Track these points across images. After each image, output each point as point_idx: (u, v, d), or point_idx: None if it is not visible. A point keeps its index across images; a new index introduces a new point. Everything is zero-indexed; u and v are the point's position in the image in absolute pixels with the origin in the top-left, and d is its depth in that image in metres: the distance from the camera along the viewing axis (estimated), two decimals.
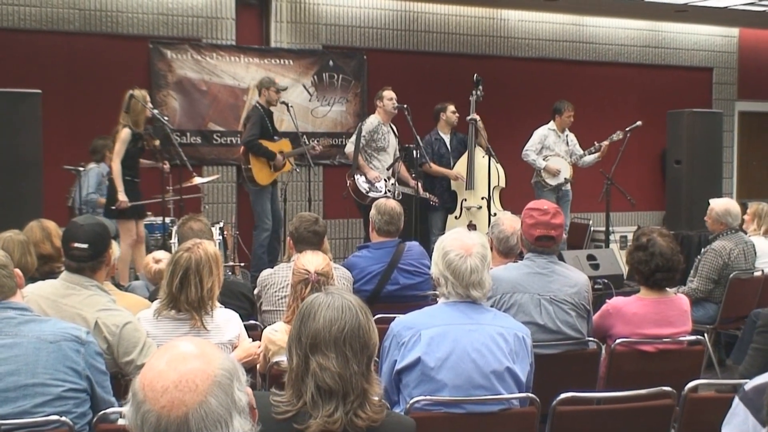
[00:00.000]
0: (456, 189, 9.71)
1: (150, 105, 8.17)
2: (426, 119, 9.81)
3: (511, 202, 9.63)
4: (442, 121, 9.84)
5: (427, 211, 9.66)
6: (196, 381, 1.75)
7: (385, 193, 8.89)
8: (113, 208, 7.99)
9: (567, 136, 10.17)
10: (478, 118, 9.45)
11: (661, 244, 4.62)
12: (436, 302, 3.64)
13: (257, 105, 9.31)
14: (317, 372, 2.40)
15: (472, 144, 9.59)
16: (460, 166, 9.71)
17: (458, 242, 3.53)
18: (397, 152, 9.25)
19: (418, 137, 8.88)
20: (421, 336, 3.39)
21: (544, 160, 9.94)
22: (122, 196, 7.97)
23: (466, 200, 9.69)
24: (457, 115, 9.78)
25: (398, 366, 3.39)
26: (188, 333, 3.95)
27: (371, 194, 8.95)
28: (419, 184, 9.07)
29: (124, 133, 7.94)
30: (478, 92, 9.51)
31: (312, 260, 4.11)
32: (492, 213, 9.12)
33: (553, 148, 10.03)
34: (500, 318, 3.60)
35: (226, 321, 4.12)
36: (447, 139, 9.86)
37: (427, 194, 9.29)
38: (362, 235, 10.79)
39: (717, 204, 7.17)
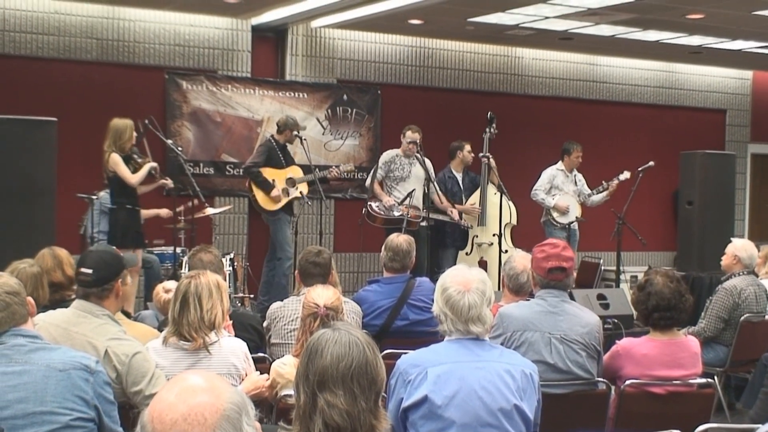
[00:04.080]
0: (467, 226, 9.74)
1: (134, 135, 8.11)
2: (438, 155, 9.85)
3: (522, 240, 9.64)
4: (457, 158, 9.90)
5: (438, 248, 9.70)
6: (205, 414, 1.75)
7: (401, 216, 9.00)
8: (117, 236, 7.93)
9: (575, 176, 10.25)
10: (490, 156, 9.50)
11: (659, 284, 4.60)
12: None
13: (270, 138, 9.37)
14: (325, 409, 2.39)
15: (485, 181, 9.62)
16: (472, 203, 9.77)
17: (458, 278, 3.53)
18: (426, 182, 9.19)
19: (432, 171, 8.96)
20: (427, 374, 3.37)
21: (552, 198, 10.00)
22: (155, 171, 8.05)
23: (477, 237, 9.72)
24: (472, 155, 9.82)
25: (405, 404, 3.37)
26: (195, 364, 3.96)
27: (384, 215, 9.10)
28: (456, 212, 9.41)
29: (116, 157, 7.85)
30: (492, 130, 9.57)
31: (322, 294, 4.12)
32: (503, 250, 9.14)
33: (561, 187, 10.10)
34: (507, 355, 3.59)
35: (233, 350, 4.12)
36: (459, 177, 9.92)
37: (459, 219, 9.42)
38: (373, 269, 10.79)
39: (738, 241, 7.20)
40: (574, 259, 4.69)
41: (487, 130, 9.60)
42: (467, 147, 9.87)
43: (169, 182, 8.41)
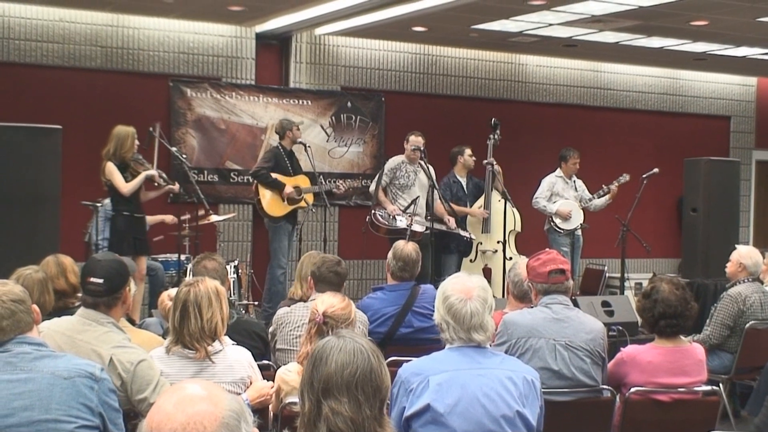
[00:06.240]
0: (472, 233, 9.71)
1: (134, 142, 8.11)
2: (442, 161, 9.84)
3: (526, 247, 9.60)
4: (459, 164, 9.86)
5: (442, 254, 9.67)
6: (204, 423, 1.75)
7: (406, 226, 8.93)
8: (121, 244, 7.88)
9: (575, 182, 10.25)
10: (494, 162, 9.48)
11: (665, 291, 4.60)
12: None
13: (278, 145, 9.30)
14: (330, 417, 2.39)
15: (489, 188, 9.59)
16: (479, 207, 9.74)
17: (459, 286, 3.53)
18: (430, 189, 9.13)
19: (434, 178, 8.94)
20: (429, 382, 3.37)
21: (554, 205, 9.99)
22: (161, 176, 8.06)
23: (481, 244, 9.69)
24: (474, 158, 9.78)
25: (407, 413, 3.36)
26: (200, 372, 3.95)
27: (387, 225, 9.03)
28: (453, 220, 9.25)
29: (111, 166, 7.86)
30: (496, 136, 9.55)
31: (326, 301, 4.08)
32: (507, 257, 9.11)
33: (562, 194, 10.10)
34: (508, 362, 3.59)
35: (238, 359, 4.11)
36: (464, 182, 9.88)
37: (460, 230, 9.33)
38: (377, 276, 10.79)
39: (742, 248, 7.17)
40: (570, 267, 4.71)
41: (491, 136, 9.59)
42: (468, 151, 9.81)
43: (175, 187, 8.41)
